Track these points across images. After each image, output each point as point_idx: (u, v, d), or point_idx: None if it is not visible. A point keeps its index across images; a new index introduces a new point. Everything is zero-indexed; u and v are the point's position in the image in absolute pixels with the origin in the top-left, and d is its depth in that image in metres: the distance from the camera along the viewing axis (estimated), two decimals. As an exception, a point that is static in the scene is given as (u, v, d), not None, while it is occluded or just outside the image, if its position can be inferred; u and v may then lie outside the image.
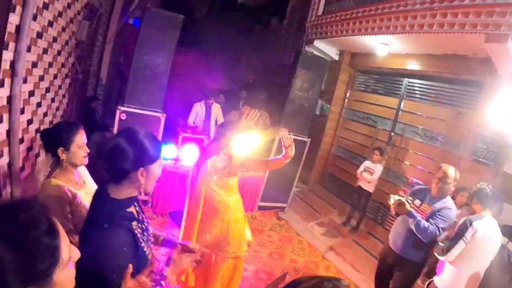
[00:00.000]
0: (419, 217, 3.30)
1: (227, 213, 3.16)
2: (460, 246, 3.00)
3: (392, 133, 6.49)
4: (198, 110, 6.66)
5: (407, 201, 3.37)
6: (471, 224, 2.99)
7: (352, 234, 6.07)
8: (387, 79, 6.88)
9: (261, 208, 6.36)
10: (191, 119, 6.62)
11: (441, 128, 5.68)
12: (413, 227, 3.27)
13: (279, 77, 6.64)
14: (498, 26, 3.78)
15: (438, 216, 3.28)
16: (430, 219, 3.29)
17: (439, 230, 3.18)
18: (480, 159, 4.72)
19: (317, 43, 6.74)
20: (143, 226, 1.77)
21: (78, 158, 2.26)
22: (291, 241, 5.63)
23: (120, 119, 4.76)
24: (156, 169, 1.66)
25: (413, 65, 5.96)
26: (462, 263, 3.07)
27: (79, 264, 1.11)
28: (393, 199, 3.43)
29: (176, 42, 4.96)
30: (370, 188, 5.91)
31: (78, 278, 1.11)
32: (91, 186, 2.42)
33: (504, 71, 4.29)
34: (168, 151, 5.36)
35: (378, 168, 5.79)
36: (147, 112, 4.94)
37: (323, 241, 5.82)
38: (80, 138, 2.27)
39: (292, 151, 3.09)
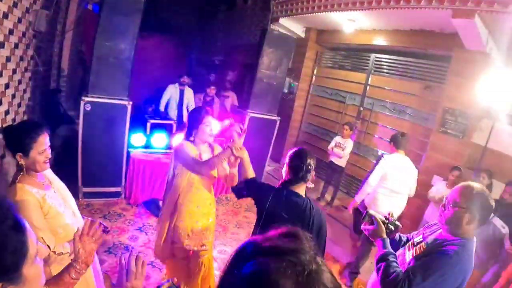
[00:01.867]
0: (391, 256, 2.02)
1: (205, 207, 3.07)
2: (376, 172, 4.22)
3: (361, 108, 6.59)
4: (171, 93, 6.50)
5: (389, 225, 2.22)
6: (382, 156, 4.32)
7: (327, 208, 6.19)
8: (355, 55, 6.93)
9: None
10: (163, 103, 6.47)
11: (409, 101, 5.82)
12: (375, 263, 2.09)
13: (246, 57, 6.56)
14: (465, 2, 3.85)
15: (422, 263, 1.91)
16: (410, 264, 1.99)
17: (404, 284, 1.83)
18: (449, 131, 4.88)
19: (282, 21, 6.66)
20: None
21: (38, 165, 2.04)
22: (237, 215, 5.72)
23: (84, 110, 4.57)
24: None
25: (380, 41, 6.02)
26: (379, 185, 4.29)
27: None
28: (367, 216, 2.31)
29: (139, 27, 4.74)
30: (342, 163, 6.02)
31: None
32: (58, 184, 2.26)
33: (471, 45, 4.41)
34: (136, 139, 5.22)
35: (349, 143, 5.88)
36: (112, 101, 4.74)
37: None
38: (42, 143, 2.03)
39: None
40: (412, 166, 4.31)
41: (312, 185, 2.67)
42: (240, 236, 5.02)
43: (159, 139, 5.42)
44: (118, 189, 5.20)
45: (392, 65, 6.18)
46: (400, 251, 2.20)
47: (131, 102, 4.86)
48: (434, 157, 5.04)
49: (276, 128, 6.44)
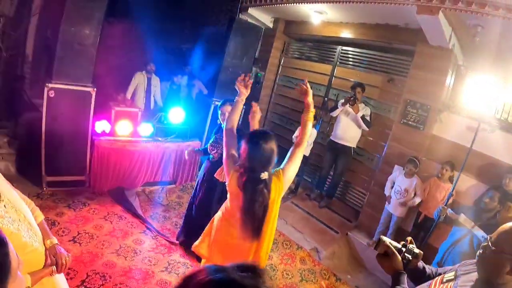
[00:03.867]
0: None
1: None
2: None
3: (326, 99, 6.75)
4: (139, 81, 6.39)
5: (406, 255, 1.86)
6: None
7: (291, 197, 6.31)
8: (321, 47, 7.06)
9: (201, 178, 6.33)
10: (130, 90, 6.35)
11: (373, 93, 6.02)
12: None
13: (213, 45, 6.53)
14: (430, -1, 4.02)
15: None
16: None
17: None
18: (410, 123, 5.09)
19: (251, 10, 6.67)
20: None
21: None
22: None
23: (48, 97, 4.44)
24: None
25: (346, 34, 6.16)
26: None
27: None
28: (380, 244, 1.92)
29: (105, 12, 4.64)
30: (305, 152, 6.13)
31: None
32: (9, 194, 1.75)
33: (434, 41, 4.62)
34: (101, 126, 5.13)
35: (313, 132, 5.97)
36: (76, 88, 4.62)
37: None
38: None
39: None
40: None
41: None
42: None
43: (124, 127, 5.34)
44: (83, 177, 5.09)
45: (357, 58, 6.36)
46: (424, 285, 1.81)
47: (95, 89, 4.76)
48: (396, 147, 5.24)
49: (242, 116, 6.47)
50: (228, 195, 2.53)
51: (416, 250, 1.87)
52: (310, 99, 2.70)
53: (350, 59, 6.48)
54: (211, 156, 4.01)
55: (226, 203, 2.60)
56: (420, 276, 1.91)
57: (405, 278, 1.75)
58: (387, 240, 1.90)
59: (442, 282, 1.71)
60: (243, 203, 2.35)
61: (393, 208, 4.86)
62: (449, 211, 3.54)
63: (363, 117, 5.40)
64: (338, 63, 6.64)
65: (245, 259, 2.54)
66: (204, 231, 2.75)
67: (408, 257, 1.84)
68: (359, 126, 5.51)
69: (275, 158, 2.40)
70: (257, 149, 2.29)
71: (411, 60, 5.18)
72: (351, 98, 5.36)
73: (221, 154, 2.89)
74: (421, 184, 4.71)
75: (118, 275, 3.57)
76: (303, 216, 5.82)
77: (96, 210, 4.66)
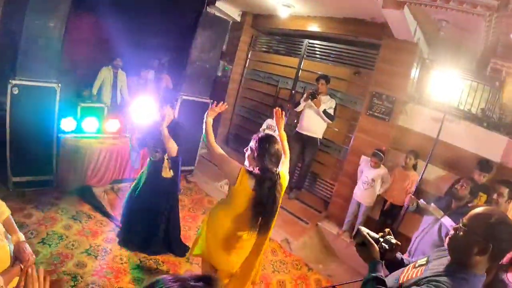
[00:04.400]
0: (376, 282, 1.70)
1: None
2: None
3: (293, 91, 6.83)
4: (105, 76, 6.21)
5: (382, 244, 1.90)
6: None
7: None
8: (289, 40, 7.12)
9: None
10: (96, 86, 6.15)
11: (339, 86, 6.14)
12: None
13: (180, 39, 6.43)
14: (395, -7, 4.12)
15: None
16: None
17: None
18: (376, 114, 5.23)
19: (219, 4, 6.60)
20: None
21: None
22: (202, 202, 5.71)
23: (12, 94, 4.25)
24: None
25: (314, 27, 6.24)
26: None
27: None
28: (358, 234, 1.94)
29: (71, 4, 4.47)
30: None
31: None
32: None
33: (399, 35, 4.75)
34: (67, 124, 4.94)
35: (281, 125, 6.03)
36: (41, 84, 4.43)
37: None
38: None
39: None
40: None
41: None
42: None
43: (91, 123, 5.19)
44: (50, 177, 4.89)
45: (324, 51, 6.46)
46: (398, 271, 1.90)
47: (60, 85, 4.59)
48: (362, 138, 5.38)
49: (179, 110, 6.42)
50: (230, 194, 2.69)
51: (393, 241, 1.91)
52: (280, 125, 3.21)
53: (317, 52, 6.57)
54: (152, 157, 3.91)
55: (227, 202, 2.75)
56: (398, 267, 1.96)
57: (381, 267, 1.79)
58: (364, 230, 1.93)
59: (414, 267, 1.79)
60: (257, 200, 2.53)
61: (361, 197, 4.98)
62: (421, 201, 3.65)
63: (325, 111, 5.47)
64: (305, 56, 6.72)
65: (247, 252, 2.86)
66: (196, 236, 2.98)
67: (385, 247, 1.88)
68: (323, 119, 5.58)
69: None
70: (271, 150, 2.54)
71: (378, 53, 5.32)
72: (311, 93, 5.42)
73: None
74: (387, 174, 4.85)
75: (89, 275, 3.48)
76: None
77: (65, 210, 4.49)
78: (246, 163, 2.67)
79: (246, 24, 7.27)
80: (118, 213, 4.80)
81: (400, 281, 1.76)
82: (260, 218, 2.59)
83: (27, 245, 1.85)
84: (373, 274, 1.72)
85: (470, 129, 4.53)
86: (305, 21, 6.33)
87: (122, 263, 3.80)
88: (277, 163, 2.60)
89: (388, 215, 4.98)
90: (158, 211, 3.92)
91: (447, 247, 1.70)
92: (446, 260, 1.69)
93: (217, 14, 6.57)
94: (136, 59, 6.45)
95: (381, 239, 1.91)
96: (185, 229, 4.77)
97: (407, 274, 1.78)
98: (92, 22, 6.29)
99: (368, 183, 4.88)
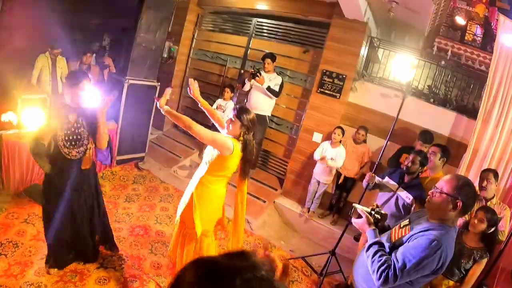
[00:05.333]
0: (380, 245, 2.16)
1: None
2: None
3: (242, 71, 6.80)
4: (43, 64, 5.74)
5: (375, 215, 2.38)
6: None
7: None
8: (236, 19, 7.02)
9: (119, 162, 5.98)
10: (35, 75, 5.68)
11: (289, 64, 6.22)
12: (365, 255, 2.18)
13: (124, 20, 6.14)
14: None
15: (405, 249, 2.04)
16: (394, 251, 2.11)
17: (390, 269, 1.99)
18: (327, 92, 5.39)
19: (163, -19, 6.37)
20: None
21: None
22: (157, 189, 5.58)
23: None
24: None
25: (262, 6, 6.21)
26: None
27: None
28: (354, 210, 2.53)
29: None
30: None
31: None
32: None
33: (350, 14, 4.89)
34: (7, 119, 4.54)
35: (230, 105, 6.06)
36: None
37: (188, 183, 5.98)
38: None
39: None
40: None
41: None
42: (132, 210, 4.84)
43: (33, 117, 4.70)
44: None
45: (273, 30, 6.46)
46: (386, 233, 2.36)
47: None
48: (314, 116, 5.55)
49: (157, 94, 6.25)
50: (222, 163, 2.95)
51: (383, 212, 2.41)
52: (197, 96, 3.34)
53: (266, 31, 6.56)
54: None
55: (218, 173, 3.04)
56: (386, 231, 2.42)
57: (377, 232, 2.28)
58: (359, 207, 2.44)
59: (400, 228, 2.27)
60: (246, 158, 2.99)
61: (322, 176, 5.15)
62: (377, 179, 3.85)
63: (269, 88, 5.51)
64: (253, 35, 6.68)
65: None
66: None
67: (377, 217, 2.37)
68: (269, 97, 5.66)
69: None
70: (249, 117, 2.92)
71: (327, 32, 5.43)
72: (253, 73, 5.44)
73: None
74: (344, 151, 5.04)
75: (53, 282, 3.28)
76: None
77: (15, 214, 4.16)
78: (226, 131, 2.96)
79: (192, 2, 7.03)
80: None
81: (393, 240, 2.20)
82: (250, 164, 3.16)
83: None
84: (374, 239, 2.19)
85: (416, 104, 4.81)
86: (253, 0, 6.28)
87: (84, 265, 3.58)
88: (252, 127, 2.98)
89: (342, 188, 5.22)
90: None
91: (426, 207, 2.19)
92: (424, 219, 2.17)
93: (162, -8, 6.31)
94: (77, 43, 6.10)
95: (372, 212, 2.39)
96: (144, 219, 4.68)
97: (396, 234, 2.24)
98: (27, 5, 5.83)
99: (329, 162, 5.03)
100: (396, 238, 2.19)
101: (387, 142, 4.12)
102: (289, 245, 4.99)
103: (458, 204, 1.98)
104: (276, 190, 6.08)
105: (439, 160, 3.86)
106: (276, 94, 5.56)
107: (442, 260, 1.94)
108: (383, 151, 4.13)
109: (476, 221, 3.15)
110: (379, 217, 2.38)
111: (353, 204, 2.51)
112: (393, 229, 2.33)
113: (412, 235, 2.07)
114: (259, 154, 6.33)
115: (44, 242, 3.64)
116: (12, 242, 3.70)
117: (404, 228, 2.23)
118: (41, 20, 5.63)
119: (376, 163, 4.19)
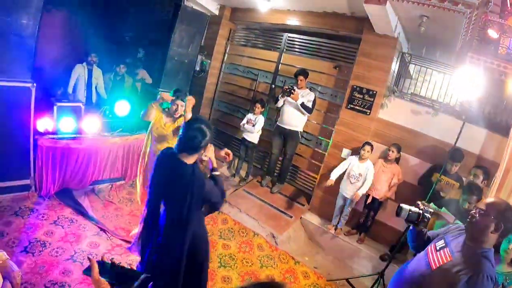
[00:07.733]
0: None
1: None
2: None
3: (273, 85, 6.82)
4: (79, 73, 6.00)
5: (425, 215, 2.43)
6: None
7: (242, 185, 6.36)
8: (268, 34, 7.08)
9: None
10: (71, 84, 5.95)
11: (320, 80, 6.19)
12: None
13: (158, 33, 6.33)
14: (379, -11, 4.17)
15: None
16: None
17: None
18: (357, 108, 5.31)
19: (196, -3, 6.54)
20: None
21: None
22: None
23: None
24: None
25: (293, 21, 6.23)
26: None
27: None
28: (402, 210, 2.48)
29: (44, 0, 4.30)
30: (254, 139, 6.18)
31: None
32: None
33: (380, 30, 4.83)
34: (43, 124, 4.76)
35: (260, 120, 6.06)
36: (13, 84, 4.24)
37: (216, 195, 5.99)
38: None
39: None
40: None
41: (206, 158, 2.75)
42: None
43: (67, 124, 4.98)
44: (27, 181, 4.70)
45: (304, 45, 6.46)
46: (421, 254, 2.36)
47: (35, 84, 4.41)
48: (343, 131, 5.47)
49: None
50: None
51: (431, 209, 2.47)
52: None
53: (297, 46, 6.57)
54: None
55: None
56: (423, 236, 2.51)
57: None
58: (407, 207, 2.47)
59: (437, 250, 2.25)
60: None
61: (348, 192, 5.04)
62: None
63: (302, 104, 5.49)
64: (285, 50, 6.71)
65: None
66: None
67: (428, 216, 2.42)
68: (302, 113, 5.63)
69: None
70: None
71: (358, 47, 5.38)
72: (287, 90, 5.43)
73: None
74: (373, 168, 4.93)
75: (77, 283, 3.38)
76: (256, 203, 5.88)
77: (45, 215, 4.36)
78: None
79: (224, 17, 7.15)
80: (101, 215, 4.72)
81: (433, 267, 2.17)
82: None
83: (11, 263, 1.80)
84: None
85: (447, 121, 4.66)
86: (285, 15, 6.30)
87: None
88: None
89: (370, 207, 5.09)
90: None
91: (467, 227, 2.20)
92: (462, 238, 2.19)
93: (195, 7, 6.47)
94: (112, 54, 6.32)
95: (421, 211, 2.43)
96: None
97: (435, 258, 2.21)
98: (66, 17, 6.12)
99: (355, 178, 4.94)
100: (437, 265, 2.17)
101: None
102: (313, 261, 4.90)
103: (500, 226, 2.03)
104: (303, 205, 6.02)
105: (482, 183, 3.84)
106: (309, 110, 5.55)
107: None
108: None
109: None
110: (429, 217, 2.44)
111: (400, 204, 2.51)
112: (429, 250, 2.32)
113: (461, 269, 2.03)
114: (288, 169, 6.30)
115: (70, 244, 3.80)
116: (40, 241, 3.87)
117: (441, 251, 2.23)
118: (78, 33, 5.87)
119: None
